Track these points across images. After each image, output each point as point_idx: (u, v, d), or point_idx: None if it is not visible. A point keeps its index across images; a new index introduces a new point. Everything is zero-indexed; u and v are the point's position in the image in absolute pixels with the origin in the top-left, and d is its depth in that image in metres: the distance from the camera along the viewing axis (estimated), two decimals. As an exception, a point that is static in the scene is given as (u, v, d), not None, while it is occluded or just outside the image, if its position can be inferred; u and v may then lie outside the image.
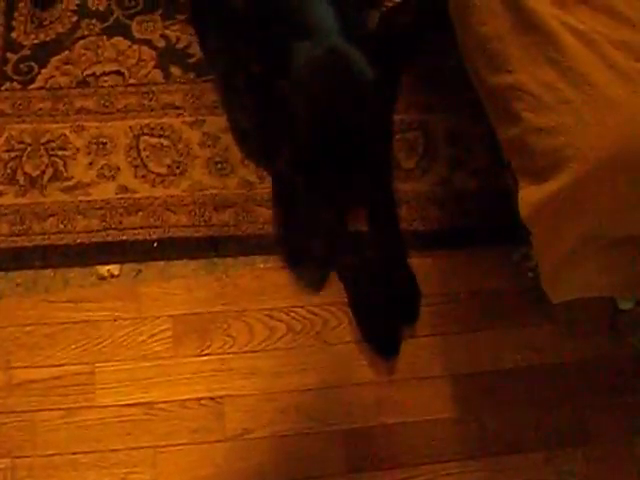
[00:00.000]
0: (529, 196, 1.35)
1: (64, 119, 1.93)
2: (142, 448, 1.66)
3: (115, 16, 2.05)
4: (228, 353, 1.74)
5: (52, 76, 1.98)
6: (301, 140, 1.33)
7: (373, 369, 1.74)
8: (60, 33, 2.02)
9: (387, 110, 1.74)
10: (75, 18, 2.04)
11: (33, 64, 1.99)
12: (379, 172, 1.84)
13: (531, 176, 1.36)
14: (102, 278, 1.79)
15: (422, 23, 1.91)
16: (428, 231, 1.86)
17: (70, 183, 1.87)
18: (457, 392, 1.74)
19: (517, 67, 1.38)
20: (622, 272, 1.44)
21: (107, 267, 1.80)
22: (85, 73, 1.98)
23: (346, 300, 1.77)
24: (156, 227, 1.84)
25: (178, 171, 1.89)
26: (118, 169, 1.89)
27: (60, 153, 1.90)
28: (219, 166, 1.90)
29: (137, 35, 2.03)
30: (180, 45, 2.03)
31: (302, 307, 1.77)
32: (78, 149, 1.90)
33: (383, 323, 1.75)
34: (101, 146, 1.91)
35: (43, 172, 1.88)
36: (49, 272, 1.79)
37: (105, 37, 2.03)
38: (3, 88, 1.96)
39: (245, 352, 1.74)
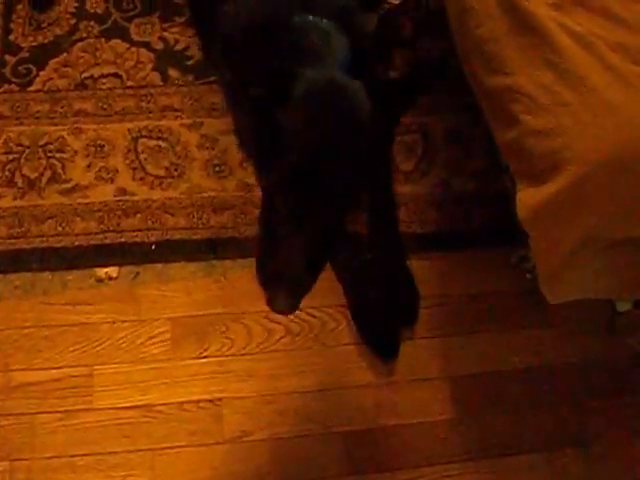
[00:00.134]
0: (527, 198, 1.35)
1: (62, 121, 1.93)
2: (140, 451, 1.66)
3: (113, 18, 2.06)
4: (226, 355, 1.74)
5: (50, 78, 1.98)
6: (288, 166, 1.33)
7: (372, 371, 1.74)
8: (58, 35, 2.03)
9: (382, 142, 1.75)
10: (73, 20, 2.05)
11: (31, 66, 1.99)
12: (379, 174, 1.84)
13: (529, 178, 1.36)
14: (100, 280, 1.79)
15: (421, 25, 1.93)
16: (427, 233, 1.87)
17: (68, 185, 1.87)
18: (456, 394, 1.74)
19: (514, 69, 1.38)
20: (620, 274, 1.44)
21: (105, 269, 1.80)
22: (83, 75, 1.99)
23: (344, 302, 1.77)
24: (154, 229, 1.84)
25: (176, 173, 1.89)
26: (116, 171, 1.89)
27: (58, 155, 1.90)
28: (217, 168, 1.90)
29: (135, 37, 2.04)
30: (178, 47, 2.03)
31: (300, 309, 1.75)
32: (76, 151, 1.90)
33: (382, 326, 1.75)
34: (99, 148, 1.91)
35: (41, 174, 1.88)
36: (47, 275, 1.79)
37: (103, 39, 2.03)
38: (1, 90, 1.96)
39: (243, 354, 1.74)
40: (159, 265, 1.81)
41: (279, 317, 1.76)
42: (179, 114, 1.95)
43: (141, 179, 1.88)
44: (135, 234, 1.83)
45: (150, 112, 1.95)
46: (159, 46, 2.03)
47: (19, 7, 2.06)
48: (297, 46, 1.43)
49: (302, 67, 1.38)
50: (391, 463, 1.68)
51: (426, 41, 1.94)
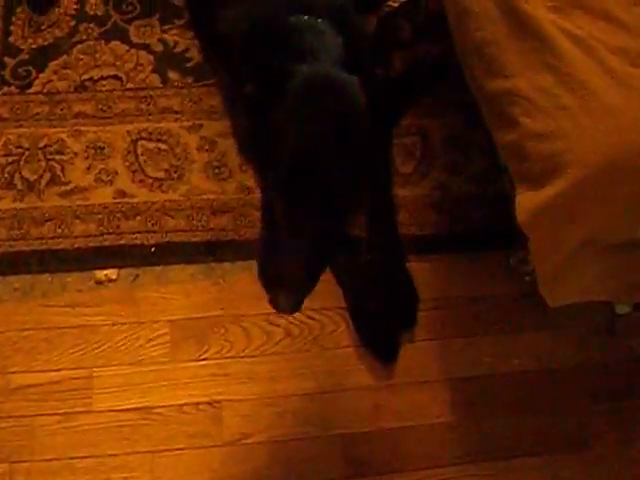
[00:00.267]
0: (526, 201, 1.35)
1: (62, 123, 1.93)
2: (140, 453, 1.66)
3: (113, 20, 2.05)
4: (226, 358, 1.74)
5: (50, 80, 1.98)
6: (284, 164, 1.33)
7: (371, 374, 1.74)
8: (58, 37, 2.03)
9: (380, 142, 1.74)
10: (73, 22, 2.04)
11: (31, 68, 1.99)
12: (378, 176, 1.84)
13: (528, 181, 1.36)
14: (100, 283, 1.79)
15: (420, 28, 1.93)
16: (426, 236, 1.87)
17: (68, 188, 1.87)
18: (455, 397, 1.74)
19: (514, 72, 1.38)
20: (619, 277, 1.44)
21: (105, 272, 1.80)
22: (83, 77, 1.98)
23: (344, 304, 1.77)
24: (154, 232, 1.84)
25: (176, 175, 1.89)
26: (116, 173, 1.89)
27: (58, 157, 1.90)
28: (217, 170, 1.90)
29: (135, 39, 2.03)
30: (178, 49, 2.03)
31: (300, 312, 1.76)
32: (76, 153, 1.90)
33: (382, 328, 1.75)
34: (99, 150, 1.91)
35: (41, 177, 1.88)
36: (47, 277, 1.79)
37: (103, 41, 2.03)
38: (1, 93, 1.96)
39: (243, 357, 1.74)
40: (158, 267, 1.81)
41: (278, 319, 1.76)
42: (179, 116, 1.95)
43: (141, 181, 1.88)
44: (134, 236, 1.83)
45: (150, 114, 1.95)
46: (159, 48, 2.03)
47: (19, 9, 2.05)
48: (292, 44, 1.43)
49: (297, 64, 1.38)
50: (390, 466, 1.68)
51: (425, 44, 1.94)
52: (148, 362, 1.72)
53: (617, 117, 1.26)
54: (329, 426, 1.70)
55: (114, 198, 1.86)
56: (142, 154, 1.91)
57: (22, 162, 1.89)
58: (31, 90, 1.97)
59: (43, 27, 2.04)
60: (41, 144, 1.91)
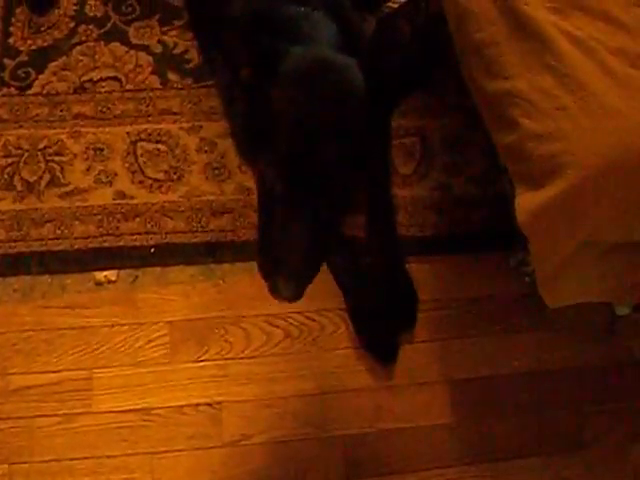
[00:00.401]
0: (526, 202, 1.35)
1: (61, 125, 1.93)
2: (139, 454, 1.66)
3: (112, 22, 2.05)
4: (225, 359, 1.74)
5: (49, 82, 1.98)
6: (282, 146, 1.33)
7: (371, 375, 1.74)
8: (57, 39, 2.03)
9: (379, 123, 1.74)
10: (72, 24, 2.05)
11: (30, 70, 1.99)
12: (377, 177, 1.84)
13: (528, 182, 1.36)
14: (99, 284, 1.79)
15: (419, 28, 1.93)
16: (425, 236, 1.87)
17: (67, 189, 1.87)
18: (455, 398, 1.74)
19: (514, 73, 1.38)
20: (619, 278, 1.44)
21: (104, 273, 1.80)
22: (82, 79, 1.98)
23: (343, 306, 1.77)
24: (153, 233, 1.84)
25: (175, 177, 1.89)
26: (115, 175, 1.89)
27: (57, 159, 1.90)
28: (216, 172, 1.90)
29: (134, 41, 2.03)
30: (177, 51, 2.03)
31: (299, 313, 1.77)
32: (75, 155, 1.90)
33: (381, 330, 1.75)
34: (98, 152, 1.91)
35: (40, 178, 1.88)
36: (46, 278, 1.79)
37: (102, 43, 2.03)
38: (0, 94, 1.96)
39: (242, 358, 1.74)
40: (158, 268, 1.81)
41: (278, 321, 1.76)
42: (178, 117, 1.95)
43: (140, 182, 1.88)
44: (134, 237, 1.83)
45: (149, 115, 1.95)
46: (158, 49, 2.03)
47: (18, 10, 2.05)
48: (288, 30, 1.45)
49: (292, 46, 1.39)
50: (390, 467, 1.68)
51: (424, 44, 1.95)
52: (148, 363, 1.72)
53: (617, 118, 1.26)
54: (329, 427, 1.69)
55: (114, 199, 1.86)
56: (141, 155, 1.91)
57: (22, 163, 1.89)
58: (30, 91, 1.97)
59: (42, 28, 2.04)
60: (41, 145, 1.91)
